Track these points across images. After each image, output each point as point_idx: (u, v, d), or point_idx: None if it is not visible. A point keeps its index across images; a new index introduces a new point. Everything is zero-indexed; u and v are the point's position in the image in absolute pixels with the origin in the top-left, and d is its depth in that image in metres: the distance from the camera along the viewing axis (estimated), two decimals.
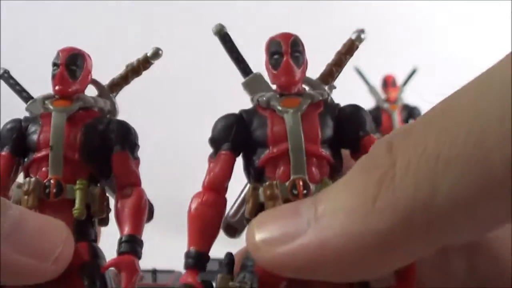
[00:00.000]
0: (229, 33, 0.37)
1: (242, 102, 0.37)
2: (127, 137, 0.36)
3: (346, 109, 0.34)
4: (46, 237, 0.30)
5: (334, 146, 0.33)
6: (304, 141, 0.32)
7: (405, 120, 1.16)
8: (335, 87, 0.37)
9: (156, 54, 0.38)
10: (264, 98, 0.34)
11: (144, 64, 0.38)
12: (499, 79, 0.23)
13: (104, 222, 0.36)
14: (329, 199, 0.26)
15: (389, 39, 1.54)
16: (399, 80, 1.17)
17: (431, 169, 0.23)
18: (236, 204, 0.37)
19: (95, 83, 0.38)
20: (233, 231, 0.38)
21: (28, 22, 1.52)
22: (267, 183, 0.32)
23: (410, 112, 1.16)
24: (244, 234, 0.30)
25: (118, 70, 0.39)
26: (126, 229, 0.34)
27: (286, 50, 0.33)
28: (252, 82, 0.36)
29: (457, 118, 0.23)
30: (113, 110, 0.38)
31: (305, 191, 0.31)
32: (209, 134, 0.35)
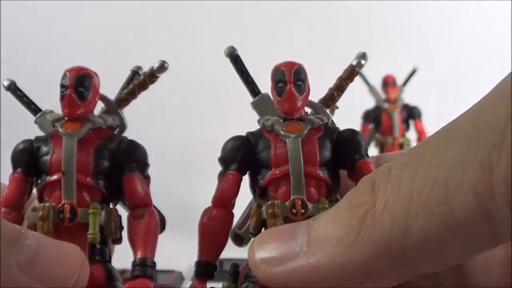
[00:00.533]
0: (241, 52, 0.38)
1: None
2: (137, 158, 0.37)
3: (344, 133, 0.37)
4: (63, 264, 0.31)
5: (331, 167, 0.36)
6: (304, 164, 0.34)
7: (405, 120, 1.16)
8: (337, 107, 0.39)
9: (162, 67, 0.38)
10: (269, 123, 0.36)
11: (150, 78, 0.38)
12: (461, 130, 0.25)
13: (118, 241, 0.37)
14: (319, 228, 0.29)
15: (389, 39, 1.54)
16: (399, 80, 1.17)
17: (405, 211, 0.25)
18: (243, 217, 0.40)
19: (103, 99, 0.38)
20: (240, 240, 0.40)
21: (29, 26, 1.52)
22: (269, 202, 0.34)
23: (410, 112, 1.15)
24: (249, 244, 0.33)
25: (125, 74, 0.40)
26: (139, 253, 0.35)
27: (289, 79, 0.36)
28: (260, 103, 0.39)
29: (426, 165, 0.25)
30: (122, 125, 0.39)
31: (303, 210, 0.34)
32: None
